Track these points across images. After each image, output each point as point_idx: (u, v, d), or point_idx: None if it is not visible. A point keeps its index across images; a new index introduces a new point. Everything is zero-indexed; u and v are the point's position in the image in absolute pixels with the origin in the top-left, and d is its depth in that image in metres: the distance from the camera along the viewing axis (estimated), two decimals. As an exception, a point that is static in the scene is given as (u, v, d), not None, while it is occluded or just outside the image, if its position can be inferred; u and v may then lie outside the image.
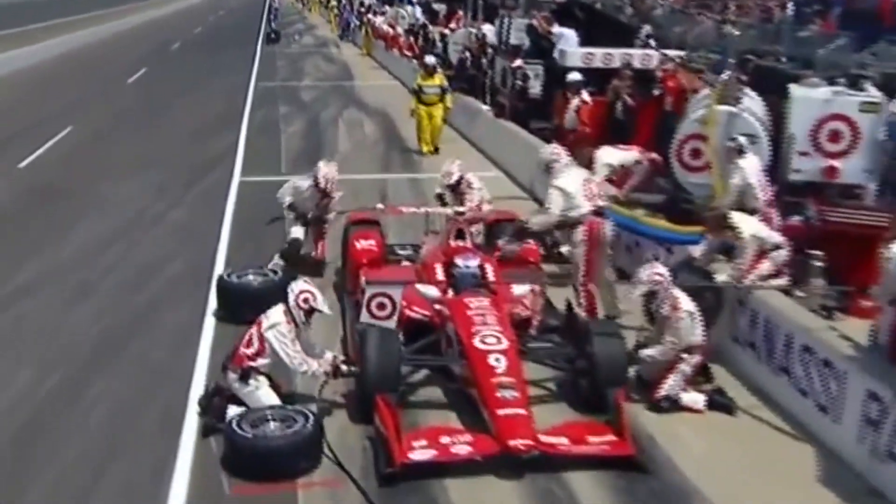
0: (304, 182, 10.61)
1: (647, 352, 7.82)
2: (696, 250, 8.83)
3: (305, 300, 7.42)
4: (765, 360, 7.93)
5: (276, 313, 7.37)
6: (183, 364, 8.42)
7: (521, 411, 6.94)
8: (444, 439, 6.86)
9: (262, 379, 7.32)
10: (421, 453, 6.69)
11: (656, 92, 14.00)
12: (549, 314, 8.98)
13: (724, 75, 11.13)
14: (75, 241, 12.28)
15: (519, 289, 8.55)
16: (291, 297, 7.41)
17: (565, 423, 7.30)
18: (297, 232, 10.69)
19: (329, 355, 7.62)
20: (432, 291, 8.39)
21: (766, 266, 8.38)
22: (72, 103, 23.34)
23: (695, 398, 7.74)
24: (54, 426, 7.54)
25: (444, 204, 11.24)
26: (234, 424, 6.80)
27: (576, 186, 8.91)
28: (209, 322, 9.39)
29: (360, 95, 24.51)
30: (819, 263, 9.62)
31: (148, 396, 7.96)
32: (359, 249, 9.81)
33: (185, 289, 10.39)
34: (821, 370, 7.21)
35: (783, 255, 8.48)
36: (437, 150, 16.96)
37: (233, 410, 7.16)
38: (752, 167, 9.58)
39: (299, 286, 7.51)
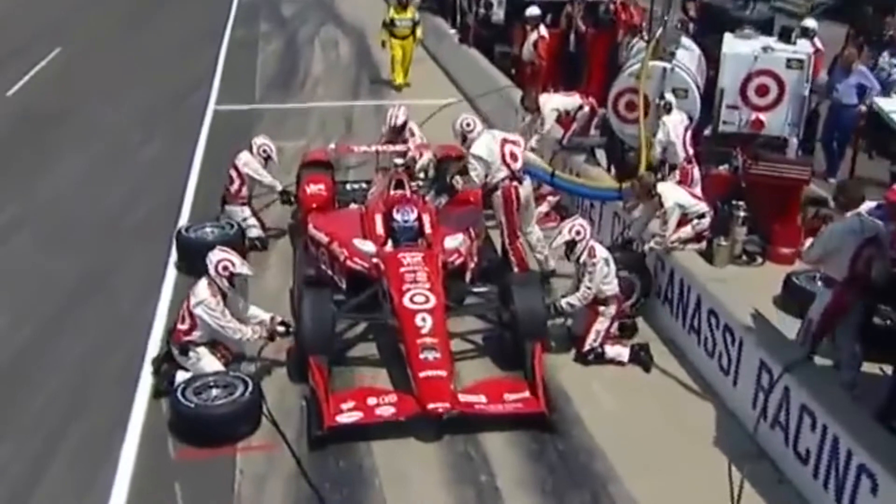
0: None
1: (566, 300, 7.88)
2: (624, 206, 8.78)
3: (224, 268, 7.38)
4: (679, 318, 7.99)
5: (201, 288, 7.32)
6: (144, 316, 8.43)
7: (441, 373, 6.99)
8: (371, 400, 6.95)
9: (202, 350, 7.32)
10: (347, 416, 6.80)
11: (610, 21, 13.74)
12: (487, 256, 9.05)
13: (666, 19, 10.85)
14: (52, 180, 12.07)
15: (453, 240, 8.49)
16: (211, 268, 7.34)
17: (485, 379, 7.39)
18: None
19: (265, 317, 7.60)
20: (368, 246, 8.34)
21: (686, 230, 8.30)
22: (59, 20, 22.64)
23: (619, 351, 7.86)
24: (17, 382, 7.60)
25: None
26: (178, 393, 6.89)
27: (491, 153, 8.73)
28: (171, 273, 9.33)
29: (339, 10, 23.82)
30: (742, 213, 9.63)
31: (110, 349, 7.99)
32: (308, 194, 9.73)
33: (152, 234, 10.26)
34: (723, 335, 7.27)
35: (706, 223, 8.41)
36: (408, 84, 16.29)
37: (181, 376, 7.24)
38: (675, 124, 9.43)
39: (216, 255, 7.42)
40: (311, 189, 9.76)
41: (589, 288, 7.76)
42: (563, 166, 10.53)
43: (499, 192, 8.80)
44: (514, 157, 8.83)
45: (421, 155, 10.39)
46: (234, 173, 9.97)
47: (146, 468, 6.58)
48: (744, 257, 9.71)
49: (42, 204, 11.27)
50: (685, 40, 10.60)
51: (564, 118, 10.98)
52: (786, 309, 8.58)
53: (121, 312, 8.61)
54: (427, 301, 7.56)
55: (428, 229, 8.57)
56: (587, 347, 7.86)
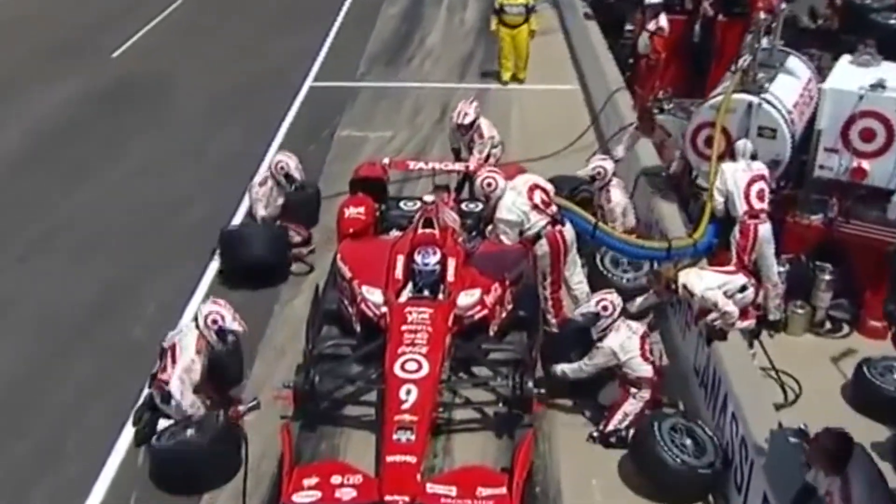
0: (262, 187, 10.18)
1: (562, 366, 7.82)
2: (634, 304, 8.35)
3: (214, 321, 7.51)
4: (711, 411, 7.53)
5: (188, 343, 7.46)
6: (153, 347, 8.32)
7: (410, 459, 6.91)
8: (336, 479, 6.94)
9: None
10: (306, 495, 6.81)
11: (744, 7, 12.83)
12: (526, 303, 8.78)
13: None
14: (121, 164, 12.60)
15: (469, 295, 8.28)
16: (200, 320, 7.51)
17: (463, 467, 7.27)
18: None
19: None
20: (376, 296, 8.29)
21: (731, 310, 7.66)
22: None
23: None
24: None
25: (458, 157, 11.01)
26: (153, 441, 7.26)
27: (519, 213, 8.45)
28: (199, 296, 9.47)
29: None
30: (827, 277, 8.90)
31: (107, 385, 8.31)
32: (345, 218, 9.71)
33: (197, 239, 10.52)
34: (740, 446, 6.78)
35: (749, 295, 7.83)
36: (520, 80, 15.42)
37: (163, 424, 7.49)
38: (734, 172, 8.77)
39: (207, 308, 7.57)
40: (350, 213, 9.71)
41: (586, 366, 7.73)
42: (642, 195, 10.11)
43: (543, 241, 8.53)
44: (545, 203, 8.54)
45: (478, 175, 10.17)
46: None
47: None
48: (827, 324, 9.03)
49: (96, 198, 11.68)
50: (795, 63, 9.73)
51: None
52: (855, 404, 7.99)
53: (132, 339, 8.93)
54: (419, 369, 7.49)
55: (451, 276, 8.46)
56: (611, 427, 7.64)
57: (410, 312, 8.00)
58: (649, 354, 7.73)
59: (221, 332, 7.54)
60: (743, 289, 7.78)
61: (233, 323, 7.60)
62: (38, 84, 15.23)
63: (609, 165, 9.76)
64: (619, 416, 7.63)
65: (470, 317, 8.33)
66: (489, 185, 8.50)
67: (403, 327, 7.86)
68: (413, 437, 7.03)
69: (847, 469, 5.23)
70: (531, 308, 8.78)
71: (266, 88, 15.18)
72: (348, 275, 8.83)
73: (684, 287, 7.72)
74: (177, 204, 11.44)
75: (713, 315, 7.60)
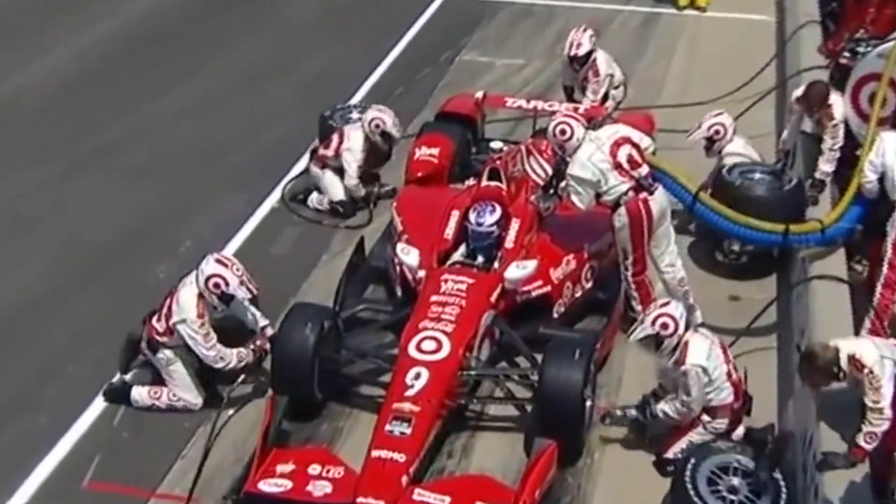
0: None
1: (663, 405, 7.16)
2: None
3: (216, 285, 7.38)
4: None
5: (188, 300, 7.36)
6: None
7: (399, 457, 6.66)
8: (314, 468, 6.77)
9: (172, 356, 7.53)
10: (275, 483, 6.72)
11: None
12: (610, 284, 8.48)
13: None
14: (197, 84, 12.67)
15: (520, 268, 7.88)
16: (201, 280, 7.38)
17: (464, 476, 7.04)
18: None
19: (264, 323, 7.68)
20: (411, 257, 8.03)
21: None
22: None
23: None
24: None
25: (569, 98, 10.64)
26: None
27: (596, 170, 7.95)
28: (243, 234, 9.70)
29: None
30: None
31: (112, 326, 8.27)
32: (415, 160, 9.61)
33: (256, 172, 10.68)
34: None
35: None
36: (701, 8, 14.68)
37: (136, 392, 7.66)
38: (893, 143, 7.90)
39: (210, 268, 7.38)
40: (421, 153, 9.60)
41: (687, 400, 6.98)
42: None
43: (622, 210, 8.07)
44: (633, 162, 8.01)
45: (590, 120, 9.73)
46: (336, 137, 10.02)
47: (50, 490, 7.07)
48: None
49: (159, 119, 11.81)
50: None
51: None
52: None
53: (154, 277, 9.01)
54: (436, 350, 7.24)
55: (510, 242, 8.17)
56: (669, 454, 7.14)
57: (446, 280, 7.73)
58: (734, 370, 7.10)
59: (224, 297, 7.48)
60: None
61: (238, 289, 7.46)
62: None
63: (727, 121, 9.12)
64: (681, 444, 7.08)
65: (525, 293, 8.01)
66: (563, 132, 8.05)
67: (433, 297, 7.61)
68: (408, 431, 6.78)
69: None
70: (616, 289, 8.38)
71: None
72: (399, 228, 8.76)
73: (852, 360, 6.16)
74: (245, 130, 11.46)
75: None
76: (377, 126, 9.82)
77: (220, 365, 7.53)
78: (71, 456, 7.37)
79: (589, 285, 8.44)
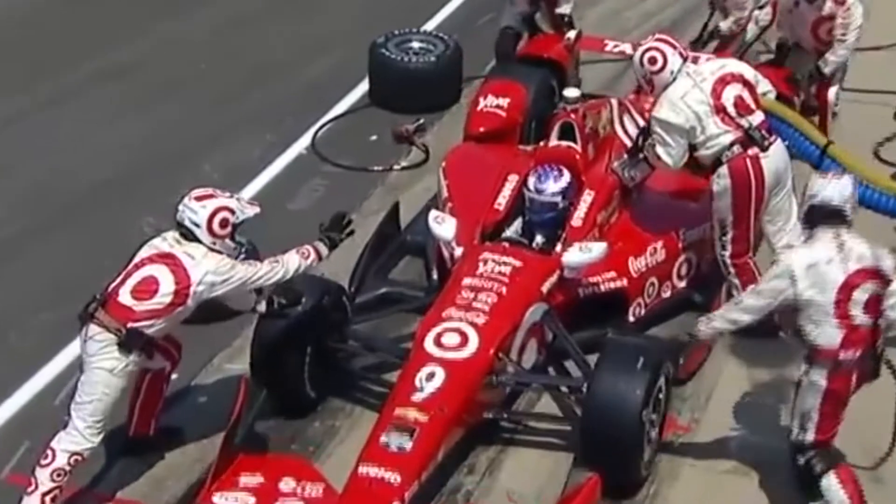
0: None
1: (708, 321, 6.67)
2: None
3: (223, 222, 6.70)
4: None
5: (198, 257, 6.66)
6: None
7: (393, 477, 6.25)
8: (286, 484, 6.44)
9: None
10: (232, 498, 6.47)
11: None
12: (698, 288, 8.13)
13: None
14: None
15: (582, 252, 7.46)
16: (202, 232, 6.68)
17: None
18: None
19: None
20: (446, 230, 7.71)
21: None
22: None
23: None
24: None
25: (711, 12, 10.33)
26: None
27: (690, 110, 7.54)
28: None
29: None
30: None
31: (75, 285, 7.94)
32: (477, 111, 9.33)
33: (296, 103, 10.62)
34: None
35: None
36: None
37: None
38: None
39: (203, 211, 6.67)
40: (485, 104, 9.29)
41: (752, 301, 6.45)
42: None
43: (723, 170, 7.61)
44: (743, 107, 7.58)
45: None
46: None
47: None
48: None
49: (185, 35, 12.04)
50: None
51: None
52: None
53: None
54: (460, 346, 6.85)
55: (578, 218, 7.81)
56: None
57: (485, 260, 7.38)
58: (852, 309, 6.24)
59: (235, 230, 6.78)
60: None
61: (246, 209, 6.83)
62: None
63: None
64: (795, 419, 6.44)
65: (591, 286, 7.65)
66: (653, 60, 7.75)
67: (466, 280, 7.25)
68: (408, 446, 6.35)
69: None
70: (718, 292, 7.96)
71: None
72: (444, 194, 8.52)
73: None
74: (279, 59, 11.51)
75: None
76: None
77: (278, 276, 6.88)
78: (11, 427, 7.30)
79: (682, 284, 8.11)
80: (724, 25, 10.00)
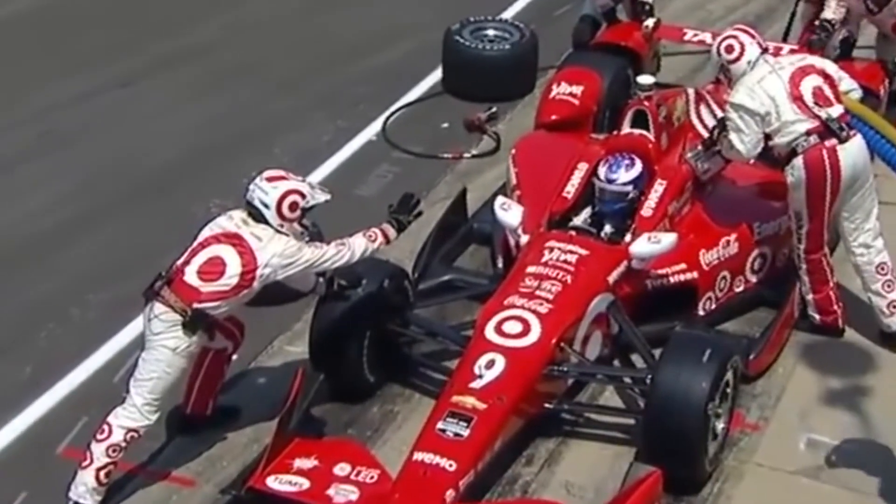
0: None
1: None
2: None
3: (293, 205, 6.67)
4: None
5: (266, 238, 6.64)
6: None
7: (448, 463, 6.20)
8: (341, 468, 6.40)
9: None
10: (287, 480, 6.36)
11: None
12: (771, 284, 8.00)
13: None
14: None
15: (651, 242, 7.39)
16: (271, 215, 6.63)
17: (530, 501, 6.61)
18: None
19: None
20: (511, 216, 7.67)
21: None
22: None
23: None
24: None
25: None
26: None
27: (767, 97, 7.39)
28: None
29: None
30: None
31: (139, 262, 8.04)
32: (549, 99, 9.28)
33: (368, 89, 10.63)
34: None
35: None
36: None
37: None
38: None
39: (274, 192, 6.62)
40: (559, 91, 9.23)
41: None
42: None
43: (798, 161, 7.45)
44: (822, 97, 7.40)
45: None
46: None
47: (23, 452, 7.05)
48: None
49: (254, 21, 12.04)
50: None
51: None
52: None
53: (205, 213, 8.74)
54: (522, 334, 6.78)
55: (649, 209, 7.71)
56: None
57: (552, 248, 7.31)
58: None
59: (304, 217, 6.74)
60: None
61: (316, 194, 6.76)
62: None
63: None
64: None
65: (660, 278, 7.56)
66: (730, 49, 7.64)
67: (531, 268, 7.19)
68: (465, 433, 6.30)
69: None
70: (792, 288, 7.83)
71: None
72: (512, 182, 8.49)
73: None
74: (354, 43, 11.55)
75: None
76: None
77: (344, 259, 6.84)
78: (51, 414, 7.32)
79: (755, 279, 7.97)
80: (830, 14, 9.68)
